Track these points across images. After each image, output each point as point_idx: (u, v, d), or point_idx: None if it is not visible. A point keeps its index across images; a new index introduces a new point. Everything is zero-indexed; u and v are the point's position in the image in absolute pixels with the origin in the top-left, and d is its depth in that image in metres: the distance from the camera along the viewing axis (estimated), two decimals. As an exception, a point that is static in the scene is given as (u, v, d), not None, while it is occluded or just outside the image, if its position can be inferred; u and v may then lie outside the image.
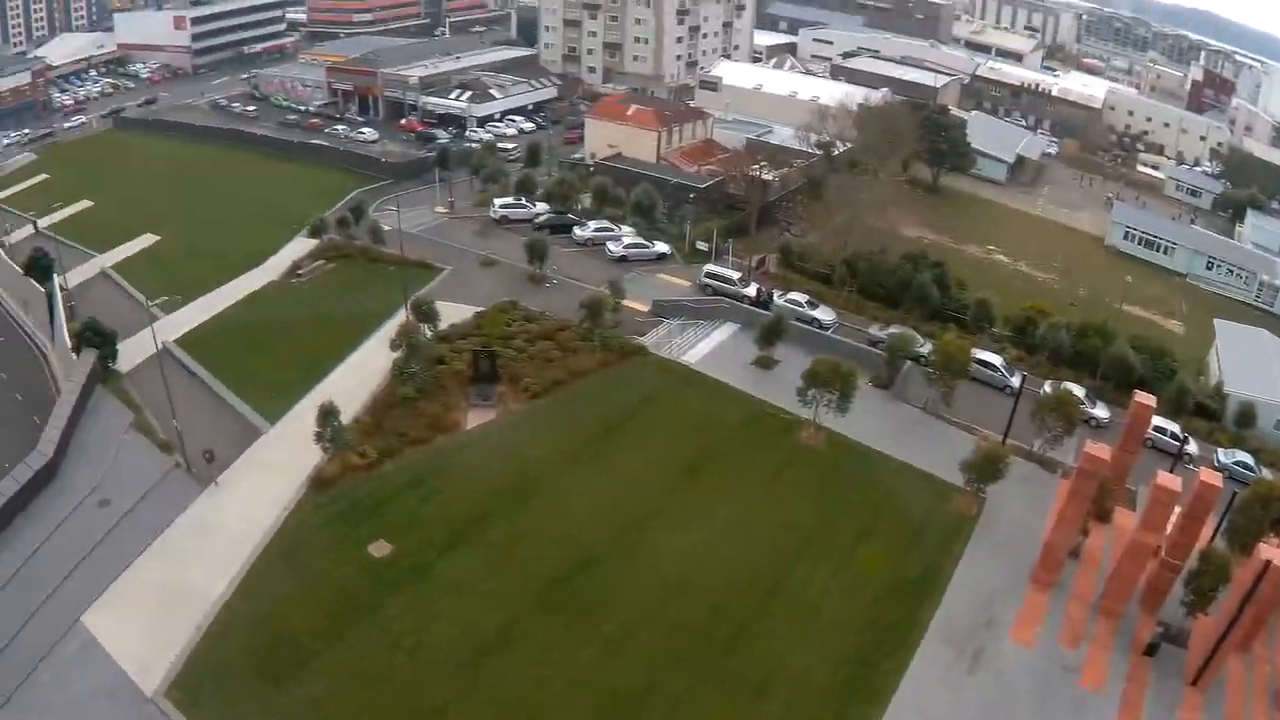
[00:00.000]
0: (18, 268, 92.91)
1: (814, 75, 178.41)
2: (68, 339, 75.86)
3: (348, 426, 58.33)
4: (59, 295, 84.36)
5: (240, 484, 56.95)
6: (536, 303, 77.51)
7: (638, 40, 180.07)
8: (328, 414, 55.91)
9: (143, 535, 52.03)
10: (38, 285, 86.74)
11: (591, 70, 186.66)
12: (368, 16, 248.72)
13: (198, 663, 43.10)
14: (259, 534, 51.62)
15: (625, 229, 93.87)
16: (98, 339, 73.24)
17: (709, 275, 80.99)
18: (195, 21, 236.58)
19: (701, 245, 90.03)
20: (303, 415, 60.04)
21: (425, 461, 57.55)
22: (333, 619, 45.35)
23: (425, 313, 69.94)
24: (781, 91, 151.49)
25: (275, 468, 58.02)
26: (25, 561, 50.54)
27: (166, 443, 61.43)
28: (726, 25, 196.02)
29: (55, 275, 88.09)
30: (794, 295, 78.83)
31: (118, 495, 56.26)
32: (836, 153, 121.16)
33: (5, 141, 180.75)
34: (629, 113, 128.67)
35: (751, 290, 78.94)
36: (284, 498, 54.72)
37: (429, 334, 69.54)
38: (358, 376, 67.53)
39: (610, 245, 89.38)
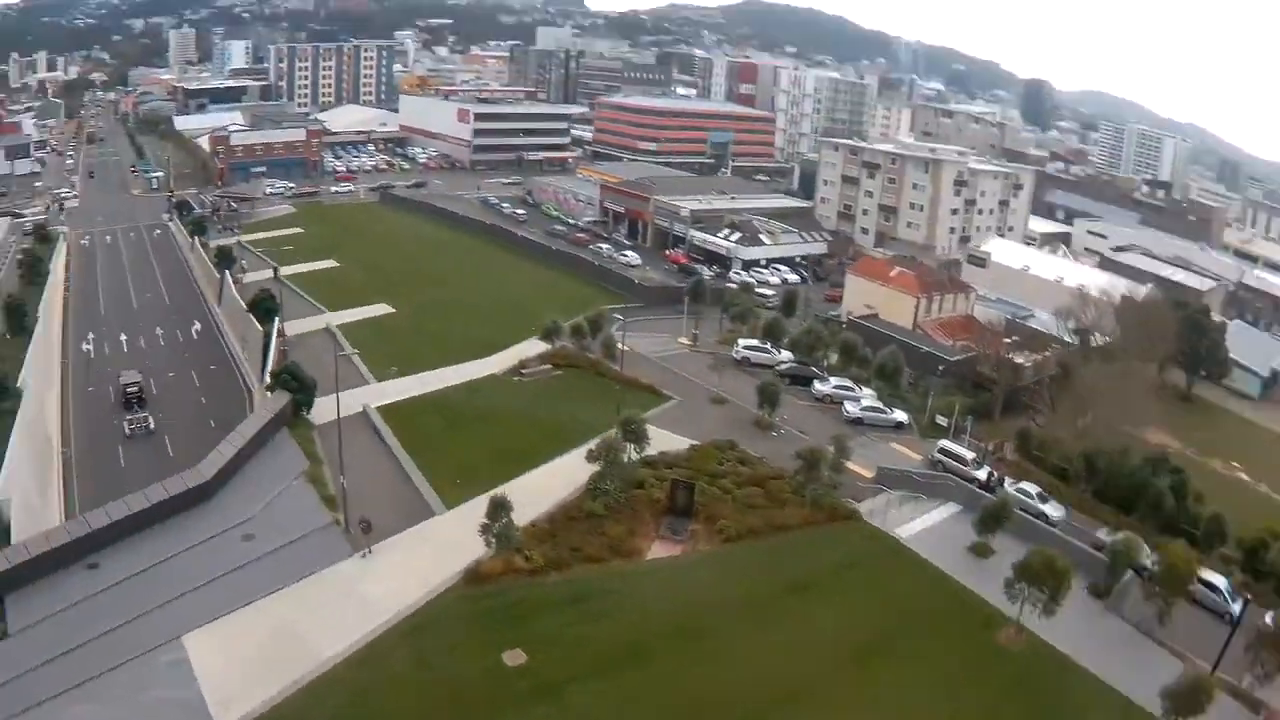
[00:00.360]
0: (244, 304, 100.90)
1: (1083, 265, 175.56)
2: (268, 379, 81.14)
3: (521, 527, 58.14)
4: (275, 338, 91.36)
5: (393, 557, 57.30)
6: (757, 448, 76.81)
7: (913, 206, 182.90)
8: (499, 507, 56.04)
9: (274, 578, 53.09)
10: (257, 324, 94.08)
11: (864, 231, 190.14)
12: (652, 146, 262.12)
13: (281, 713, 42.72)
14: (394, 610, 51.37)
15: (866, 391, 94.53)
16: (294, 384, 77.34)
17: (942, 451, 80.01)
18: (479, 118, 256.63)
19: (941, 420, 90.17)
20: (480, 507, 59.43)
21: (593, 581, 56.13)
22: (438, 715, 43.99)
23: (634, 433, 69.37)
24: (1048, 276, 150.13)
25: (434, 551, 58.35)
26: (149, 567, 52.78)
27: (332, 498, 63.33)
28: (1003, 203, 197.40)
29: (276, 318, 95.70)
30: (1025, 485, 76.70)
31: (265, 535, 58.01)
32: (1093, 343, 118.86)
33: (269, 190, 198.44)
34: (891, 274, 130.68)
35: (983, 473, 77.22)
36: (432, 582, 54.49)
37: (635, 455, 69.11)
38: (550, 482, 67.77)
39: (848, 405, 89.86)
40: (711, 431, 78.81)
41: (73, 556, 53.09)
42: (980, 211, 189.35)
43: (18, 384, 79.45)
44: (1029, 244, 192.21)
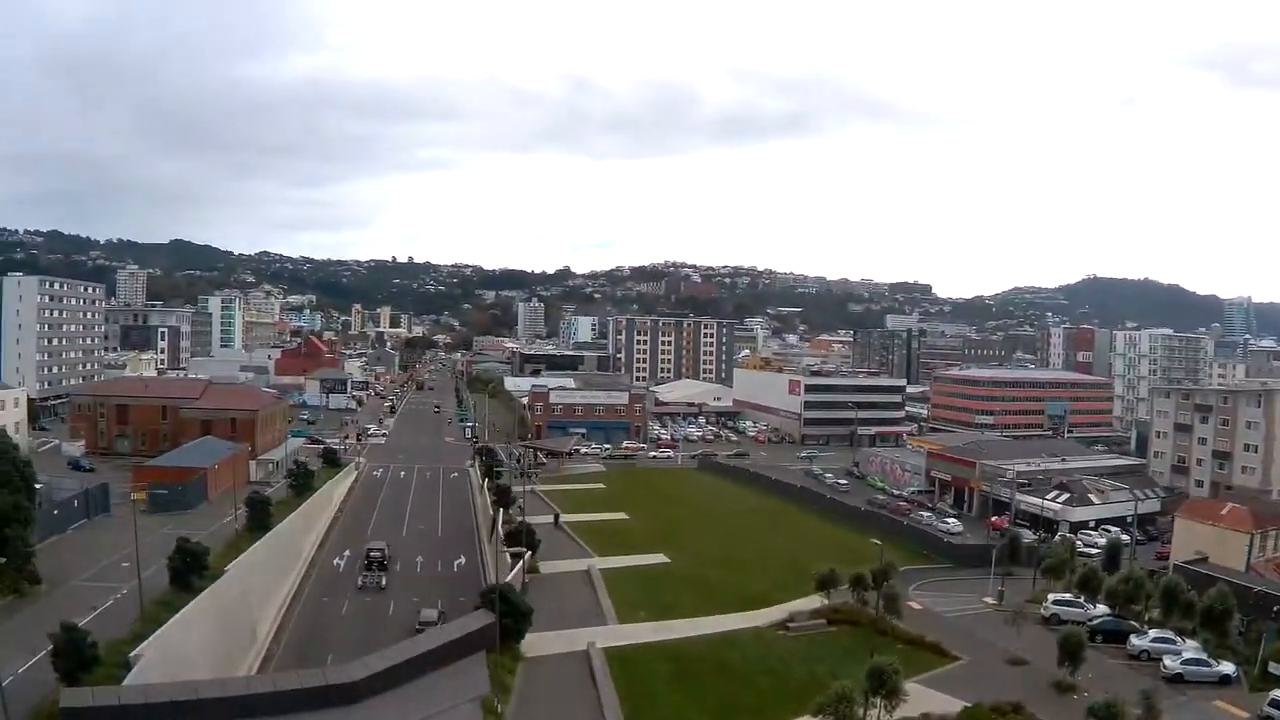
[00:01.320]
0: (502, 535, 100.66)
1: None
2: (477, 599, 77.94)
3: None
4: (516, 569, 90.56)
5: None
6: (1049, 712, 66.45)
7: (1247, 448, 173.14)
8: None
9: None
10: (508, 556, 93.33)
11: (1199, 484, 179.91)
12: (989, 419, 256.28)
13: None
14: None
15: (1189, 643, 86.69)
16: (505, 607, 71.19)
17: (1274, 704, 71.58)
18: (810, 389, 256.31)
19: (1275, 669, 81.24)
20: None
21: None
22: None
23: (887, 688, 58.66)
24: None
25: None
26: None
27: (499, 729, 55.94)
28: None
29: (528, 552, 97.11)
30: (1367, 738, 68.43)
31: (401, 749, 50.87)
32: None
33: (583, 449, 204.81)
34: (1222, 512, 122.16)
35: None
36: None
37: (885, 714, 58.60)
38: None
39: (1167, 660, 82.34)
40: (998, 694, 68.25)
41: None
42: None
43: (224, 569, 78.08)
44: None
